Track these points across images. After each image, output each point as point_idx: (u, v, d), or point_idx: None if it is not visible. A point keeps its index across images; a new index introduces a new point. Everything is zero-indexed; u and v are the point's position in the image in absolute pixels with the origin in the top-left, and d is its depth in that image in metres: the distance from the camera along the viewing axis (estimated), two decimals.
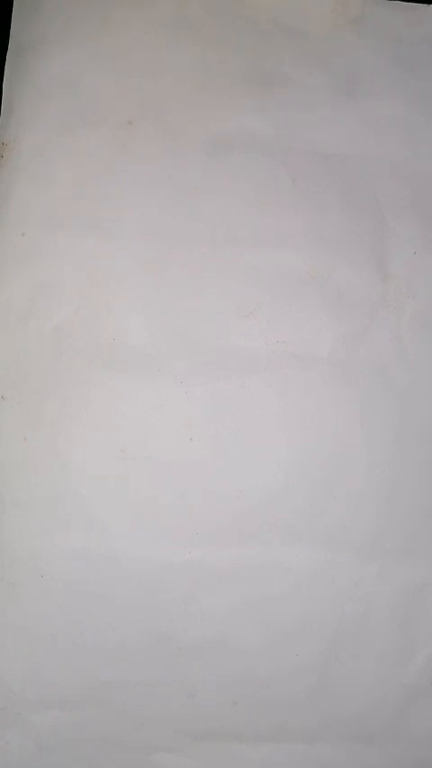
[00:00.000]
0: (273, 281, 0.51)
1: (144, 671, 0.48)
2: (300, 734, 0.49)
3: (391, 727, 0.49)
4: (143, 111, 0.52)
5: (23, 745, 0.48)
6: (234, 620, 0.49)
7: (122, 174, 0.51)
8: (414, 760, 0.49)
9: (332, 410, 0.50)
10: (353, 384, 0.51)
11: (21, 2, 0.52)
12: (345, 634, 0.49)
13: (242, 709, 0.49)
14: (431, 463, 0.50)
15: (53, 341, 0.49)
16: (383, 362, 0.51)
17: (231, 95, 0.52)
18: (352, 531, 0.50)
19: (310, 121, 0.52)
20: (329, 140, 0.52)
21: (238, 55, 0.53)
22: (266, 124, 0.52)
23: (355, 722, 0.49)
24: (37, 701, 0.48)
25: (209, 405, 0.50)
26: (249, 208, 0.51)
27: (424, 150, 0.53)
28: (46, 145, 0.51)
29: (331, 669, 0.49)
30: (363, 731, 0.49)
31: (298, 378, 0.50)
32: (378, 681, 0.49)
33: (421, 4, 0.54)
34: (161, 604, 0.48)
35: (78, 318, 0.50)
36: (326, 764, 0.49)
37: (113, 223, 0.51)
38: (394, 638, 0.49)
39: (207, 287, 0.51)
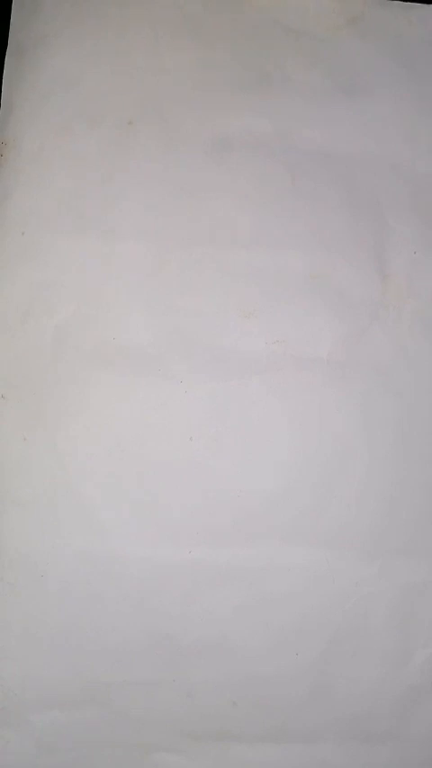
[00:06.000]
0: (273, 281, 0.51)
1: (144, 671, 0.48)
2: (300, 734, 0.49)
3: (392, 727, 0.49)
4: (143, 111, 0.52)
5: (23, 745, 0.48)
6: (234, 620, 0.49)
7: (122, 174, 0.51)
8: (414, 760, 0.49)
9: (332, 410, 0.50)
10: (353, 384, 0.51)
11: (20, 2, 0.52)
12: (345, 634, 0.49)
13: (242, 709, 0.48)
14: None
15: (53, 340, 0.49)
16: (383, 362, 0.51)
17: (231, 95, 0.52)
18: (352, 532, 0.50)
19: (309, 121, 0.52)
20: (329, 140, 0.52)
21: (239, 55, 0.53)
22: (266, 124, 0.52)
23: (356, 722, 0.49)
24: (37, 701, 0.48)
25: (209, 405, 0.50)
26: (249, 208, 0.51)
27: (424, 150, 0.53)
28: (46, 144, 0.51)
29: (331, 669, 0.49)
30: (363, 731, 0.49)
31: (298, 378, 0.50)
32: (378, 681, 0.49)
33: (421, 4, 0.54)
34: (161, 604, 0.48)
35: (78, 318, 0.50)
36: (326, 764, 0.49)
37: (113, 223, 0.51)
38: (394, 638, 0.49)
39: (207, 287, 0.51)
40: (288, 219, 0.51)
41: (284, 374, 0.50)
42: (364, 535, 0.50)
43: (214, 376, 0.50)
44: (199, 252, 0.51)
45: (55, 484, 0.48)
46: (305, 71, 0.53)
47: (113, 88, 0.52)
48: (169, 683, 0.48)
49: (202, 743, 0.48)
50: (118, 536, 0.48)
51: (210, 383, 0.50)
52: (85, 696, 0.48)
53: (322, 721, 0.49)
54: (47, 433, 0.49)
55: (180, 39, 0.53)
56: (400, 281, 0.52)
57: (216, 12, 0.53)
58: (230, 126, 0.52)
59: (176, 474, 0.49)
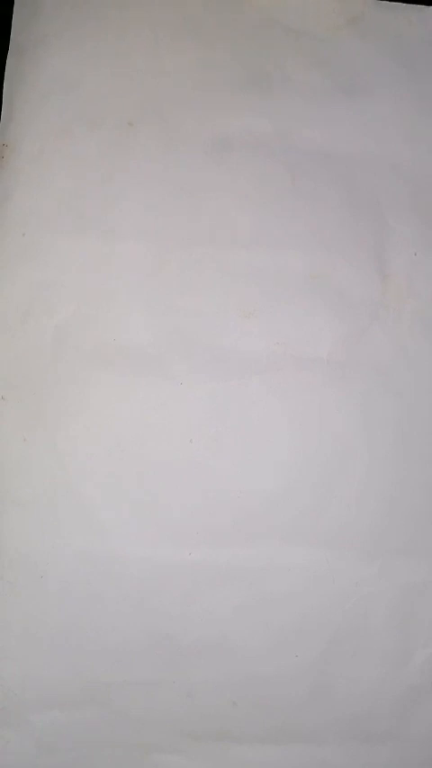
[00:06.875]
0: (273, 281, 0.51)
1: (144, 671, 0.48)
2: (300, 734, 0.49)
3: (392, 727, 0.49)
4: (143, 111, 0.52)
5: (23, 745, 0.48)
6: (234, 620, 0.49)
7: (122, 175, 0.51)
8: (414, 760, 0.49)
9: (332, 410, 0.50)
10: (353, 384, 0.51)
11: (21, 2, 0.52)
12: (345, 634, 0.49)
13: (242, 709, 0.48)
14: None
15: (53, 341, 0.49)
16: (383, 362, 0.51)
17: (231, 95, 0.52)
18: (352, 532, 0.50)
19: (309, 121, 0.52)
20: (329, 140, 0.52)
21: (239, 55, 0.53)
22: (266, 124, 0.52)
23: (356, 722, 0.49)
24: (37, 701, 0.48)
25: (209, 405, 0.50)
26: (249, 207, 0.51)
27: (424, 150, 0.53)
28: (46, 145, 0.51)
29: (331, 669, 0.49)
30: (363, 731, 0.49)
31: (298, 378, 0.50)
32: (378, 681, 0.49)
33: (421, 5, 0.54)
34: (161, 604, 0.48)
35: (78, 318, 0.50)
36: (326, 764, 0.49)
37: (113, 223, 0.51)
38: (394, 638, 0.49)
39: (207, 287, 0.51)
40: (288, 219, 0.51)
41: (284, 374, 0.50)
42: (364, 535, 0.49)
43: (214, 376, 0.50)
44: (199, 252, 0.51)
45: (55, 484, 0.48)
46: (305, 71, 0.53)
47: (114, 89, 0.52)
48: (169, 683, 0.48)
49: (202, 743, 0.48)
50: (118, 536, 0.48)
51: (210, 383, 0.50)
52: (85, 696, 0.48)
53: (322, 721, 0.49)
54: (47, 433, 0.49)
55: (180, 39, 0.53)
56: (400, 281, 0.52)
57: (216, 12, 0.53)
58: (230, 126, 0.52)
59: (176, 474, 0.49)
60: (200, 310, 0.50)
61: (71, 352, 0.49)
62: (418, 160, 0.53)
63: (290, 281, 0.51)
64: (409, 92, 0.53)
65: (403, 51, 0.54)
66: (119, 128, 0.52)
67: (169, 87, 0.52)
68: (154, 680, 0.48)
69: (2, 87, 0.52)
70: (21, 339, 0.49)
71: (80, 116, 0.51)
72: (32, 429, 0.49)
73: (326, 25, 0.54)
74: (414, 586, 0.50)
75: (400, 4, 0.54)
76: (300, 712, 0.49)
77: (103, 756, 0.48)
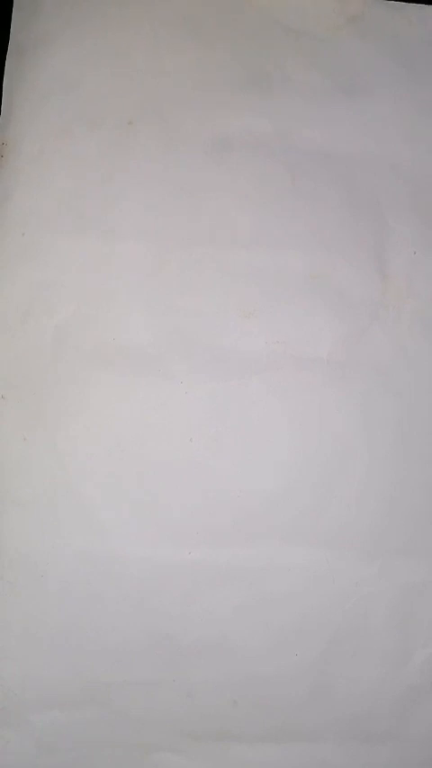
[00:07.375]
0: (273, 281, 0.51)
1: (144, 671, 0.48)
2: (300, 734, 0.49)
3: (392, 727, 0.49)
4: (143, 111, 0.52)
5: (23, 745, 0.48)
6: (234, 620, 0.49)
7: (122, 174, 0.51)
8: (414, 760, 0.49)
9: (332, 410, 0.50)
10: (353, 384, 0.51)
11: (21, 2, 0.52)
12: (345, 634, 0.49)
13: (242, 709, 0.48)
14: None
15: (53, 341, 0.49)
16: (383, 362, 0.51)
17: (231, 95, 0.52)
18: (352, 532, 0.50)
19: (309, 121, 0.52)
20: (329, 140, 0.52)
21: (239, 55, 0.53)
22: (266, 124, 0.52)
23: (356, 722, 0.49)
24: (37, 701, 0.48)
25: (209, 405, 0.50)
26: (249, 207, 0.51)
27: (424, 150, 0.53)
28: (46, 145, 0.51)
29: (331, 669, 0.49)
30: (363, 731, 0.49)
31: (298, 378, 0.50)
32: (378, 681, 0.49)
33: (421, 4, 0.54)
34: (161, 604, 0.48)
35: (78, 318, 0.50)
36: (326, 764, 0.49)
37: (113, 223, 0.51)
38: (394, 638, 0.49)
39: (207, 287, 0.51)
40: (288, 219, 0.51)
41: (284, 374, 0.50)
42: (364, 535, 0.50)
43: (214, 376, 0.50)
44: (199, 252, 0.51)
45: (55, 484, 0.48)
46: (305, 71, 0.53)
47: (113, 89, 0.52)
48: (169, 683, 0.48)
49: (202, 743, 0.48)
50: (118, 536, 0.48)
51: (210, 383, 0.50)
52: (85, 696, 0.48)
53: (322, 721, 0.49)
54: (47, 433, 0.49)
55: (180, 39, 0.53)
56: (399, 281, 0.52)
57: (216, 12, 0.53)
58: (230, 126, 0.52)
59: (176, 474, 0.49)
60: (200, 310, 0.50)
61: (71, 352, 0.49)
62: (418, 160, 0.53)
63: (290, 281, 0.51)
64: (409, 92, 0.53)
65: (403, 51, 0.54)
66: (119, 128, 0.52)
67: (169, 87, 0.52)
68: (154, 680, 0.48)
69: (2, 87, 0.52)
70: (21, 339, 0.49)
71: (80, 116, 0.51)
72: (32, 429, 0.49)
73: (326, 25, 0.54)
74: (414, 586, 0.50)
75: (400, 3, 0.54)
76: (300, 712, 0.49)
77: (103, 756, 0.48)
